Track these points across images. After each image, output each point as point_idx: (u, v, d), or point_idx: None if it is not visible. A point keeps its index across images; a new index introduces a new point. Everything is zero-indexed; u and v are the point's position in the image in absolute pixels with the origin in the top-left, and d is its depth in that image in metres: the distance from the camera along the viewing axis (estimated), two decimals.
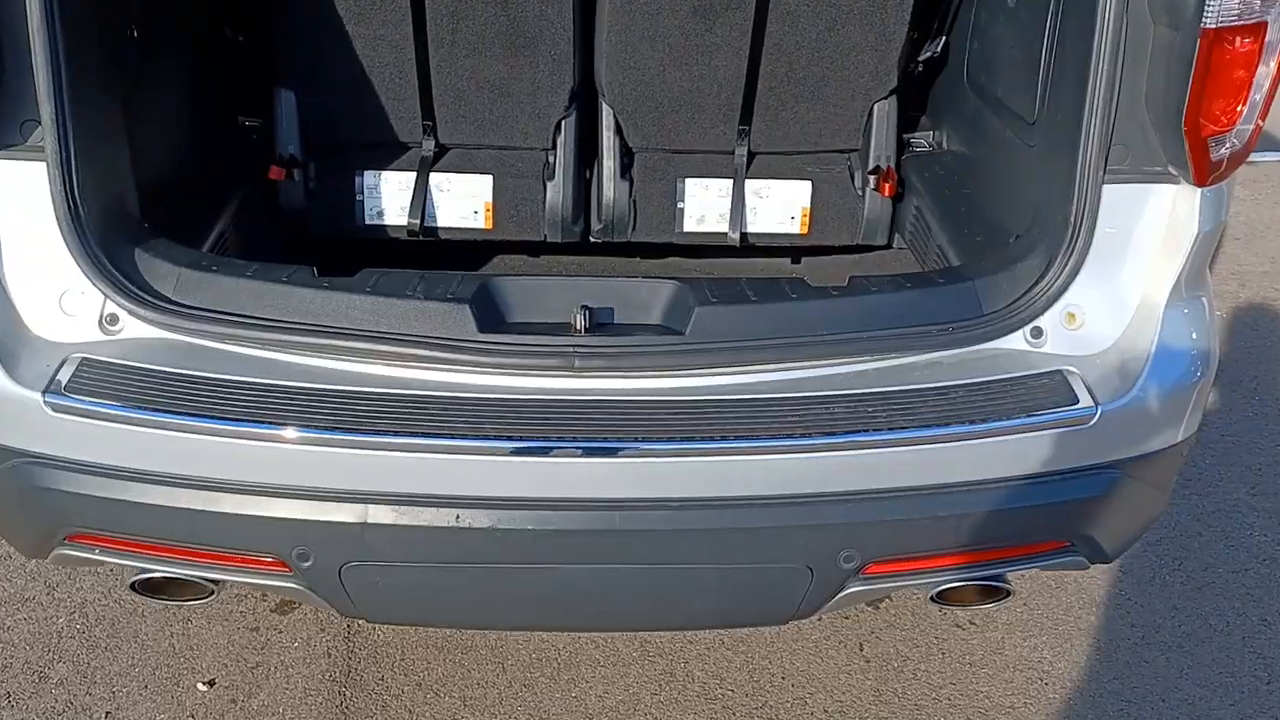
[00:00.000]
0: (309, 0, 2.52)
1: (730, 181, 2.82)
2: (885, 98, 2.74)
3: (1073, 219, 2.02)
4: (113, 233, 2.02)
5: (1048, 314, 2.03)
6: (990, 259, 2.19)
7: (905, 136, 2.89)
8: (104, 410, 1.85)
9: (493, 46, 2.61)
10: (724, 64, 2.65)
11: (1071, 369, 2.01)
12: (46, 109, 1.88)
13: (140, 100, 2.28)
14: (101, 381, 1.89)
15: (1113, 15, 1.93)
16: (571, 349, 1.93)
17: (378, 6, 2.53)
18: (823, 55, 2.64)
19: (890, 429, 1.90)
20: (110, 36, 2.13)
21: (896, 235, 2.88)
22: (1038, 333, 2.04)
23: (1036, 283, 2.05)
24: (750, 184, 2.82)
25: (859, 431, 1.89)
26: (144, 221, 2.17)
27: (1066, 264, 2.03)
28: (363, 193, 2.78)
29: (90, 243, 1.95)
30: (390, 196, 2.78)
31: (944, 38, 2.79)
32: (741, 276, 2.31)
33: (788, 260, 3.09)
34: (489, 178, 2.79)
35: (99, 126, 2.03)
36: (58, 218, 1.93)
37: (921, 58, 2.80)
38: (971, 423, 1.92)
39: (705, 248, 2.94)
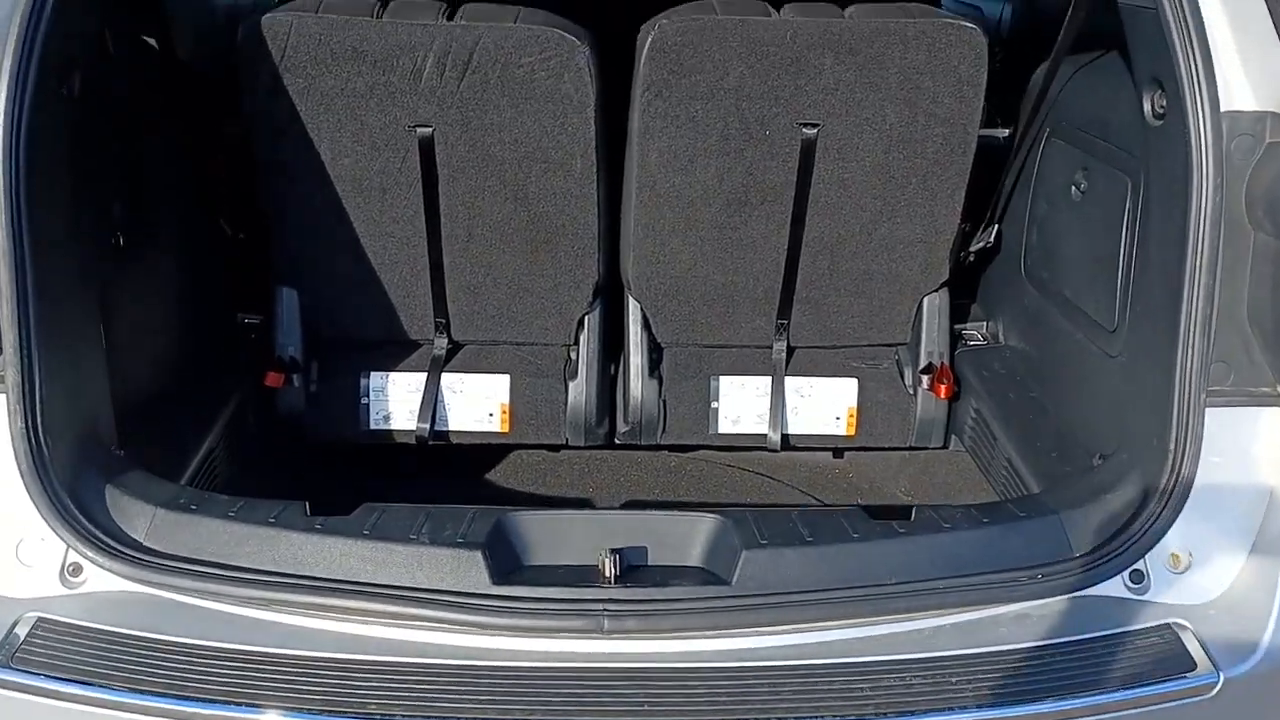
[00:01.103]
0: (313, 196, 2.34)
1: (768, 379, 2.58)
2: (935, 290, 2.53)
3: (1172, 447, 1.78)
4: (81, 469, 1.80)
5: (1149, 555, 1.78)
6: (1074, 485, 1.94)
7: (956, 327, 2.67)
8: (58, 689, 1.60)
9: (511, 242, 2.42)
10: (761, 257, 2.45)
11: (1182, 622, 1.74)
12: (9, 338, 1.68)
13: (123, 312, 2.09)
14: (58, 649, 1.65)
15: (1208, 223, 1.72)
16: (600, 607, 1.69)
17: (388, 203, 2.36)
18: (868, 249, 2.44)
19: (979, 705, 1.61)
20: (90, 250, 1.95)
21: (953, 437, 2.63)
22: (1138, 577, 1.78)
23: (1133, 518, 1.81)
24: (790, 382, 2.59)
25: (943, 711, 1.60)
26: (120, 448, 1.95)
27: (1168, 498, 1.78)
28: (368, 396, 2.55)
29: (53, 484, 1.74)
30: (398, 399, 2.55)
31: (996, 226, 2.60)
32: (792, 509, 2.05)
33: (829, 455, 2.84)
34: (506, 377, 2.57)
35: (71, 350, 1.83)
36: (17, 457, 1.72)
37: (974, 248, 2.61)
38: (1073, 694, 1.63)
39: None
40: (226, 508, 1.84)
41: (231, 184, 2.53)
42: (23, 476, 1.71)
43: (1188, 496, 1.78)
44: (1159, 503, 1.79)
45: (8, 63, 1.67)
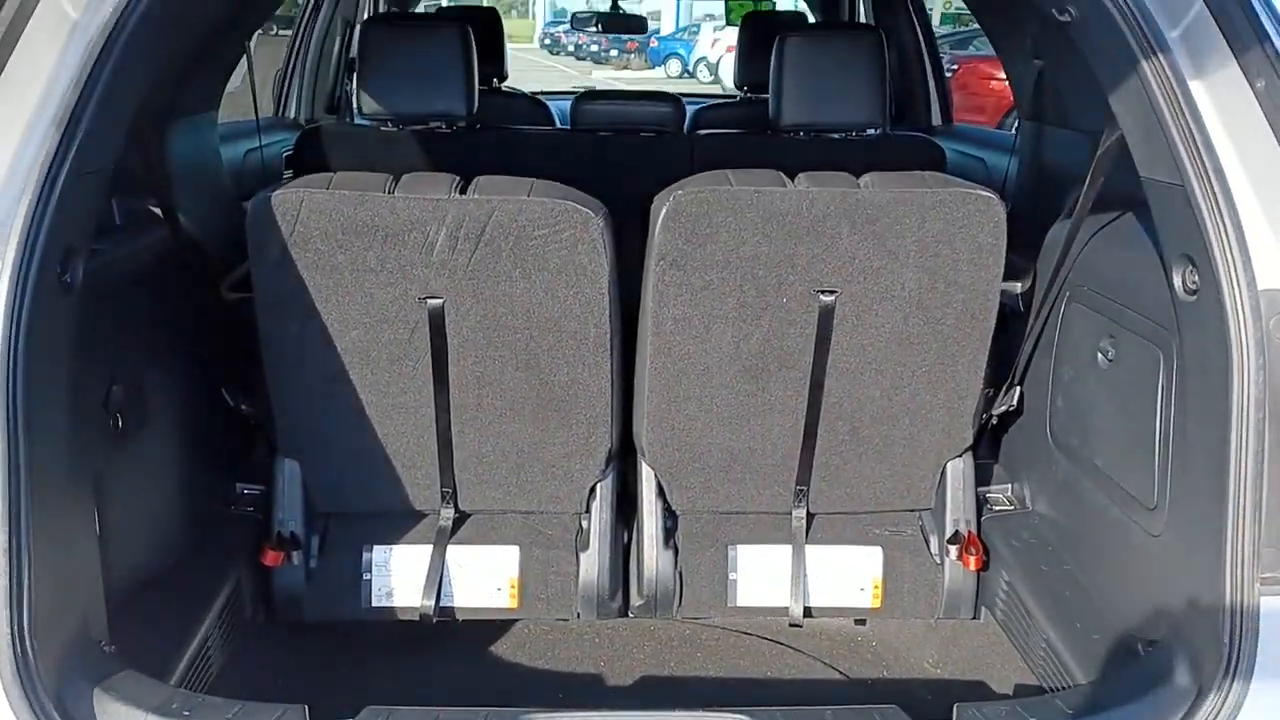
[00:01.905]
0: (319, 368, 2.28)
1: (789, 548, 2.48)
2: (959, 456, 2.46)
3: (1227, 640, 1.67)
4: (69, 673, 1.68)
5: None
6: (1124, 677, 1.83)
7: (980, 490, 2.58)
8: None
9: (522, 410, 2.35)
10: (778, 424, 2.38)
11: None
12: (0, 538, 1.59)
13: (118, 497, 2.00)
14: None
15: (1252, 405, 1.66)
16: None
17: (396, 374, 2.29)
18: (888, 414, 2.37)
19: None
20: (88, 437, 1.87)
21: (984, 609, 2.52)
22: None
23: (1191, 713, 1.68)
24: (811, 550, 2.49)
25: None
26: (110, 643, 1.83)
27: (1226, 694, 1.66)
28: (370, 571, 2.44)
29: (39, 693, 1.62)
30: (401, 575, 2.44)
31: (1019, 388, 2.54)
32: (820, 685, 1.93)
33: (851, 621, 2.71)
34: (515, 549, 2.46)
35: (64, 544, 1.73)
36: (1, 663, 1.59)
37: (996, 410, 2.54)
38: None
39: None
40: (221, 713, 1.72)
41: (235, 355, 2.47)
42: (5, 688, 1.60)
43: (1247, 693, 1.67)
44: (1218, 697, 1.67)
45: (11, 254, 1.62)
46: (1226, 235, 1.72)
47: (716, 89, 24.02)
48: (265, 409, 2.40)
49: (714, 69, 26.02)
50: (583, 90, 7.52)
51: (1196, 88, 1.81)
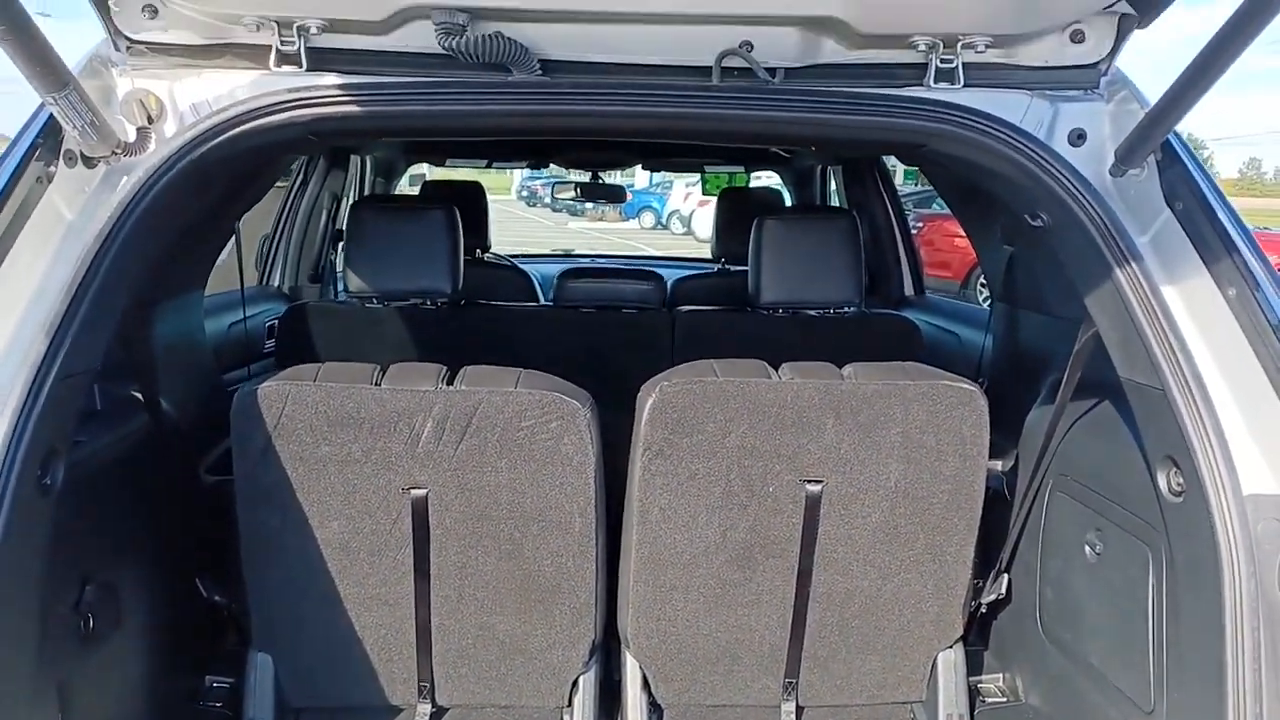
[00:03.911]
0: (298, 560, 2.23)
1: None
2: (950, 646, 2.41)
3: None
4: None
5: None
6: None
7: (973, 681, 2.53)
8: None
9: (504, 602, 2.30)
10: (766, 614, 2.34)
11: None
12: None
13: (84, 700, 1.92)
14: None
15: (1245, 611, 1.65)
16: None
17: (376, 565, 2.25)
18: (878, 605, 2.34)
19: None
20: (57, 642, 1.80)
21: None
22: None
23: None
24: None
25: None
26: None
27: None
28: None
29: None
30: None
31: (1006, 576, 2.52)
32: None
33: None
34: None
35: None
36: None
37: (985, 599, 2.51)
38: None
39: None
40: None
41: (209, 542, 2.42)
42: None
43: None
44: None
45: None
46: (1209, 440, 1.74)
47: (690, 240, 24.65)
48: (239, 600, 2.33)
49: (686, 221, 26.73)
50: (561, 253, 7.71)
51: (1170, 294, 1.87)
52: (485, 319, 3.39)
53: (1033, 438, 2.45)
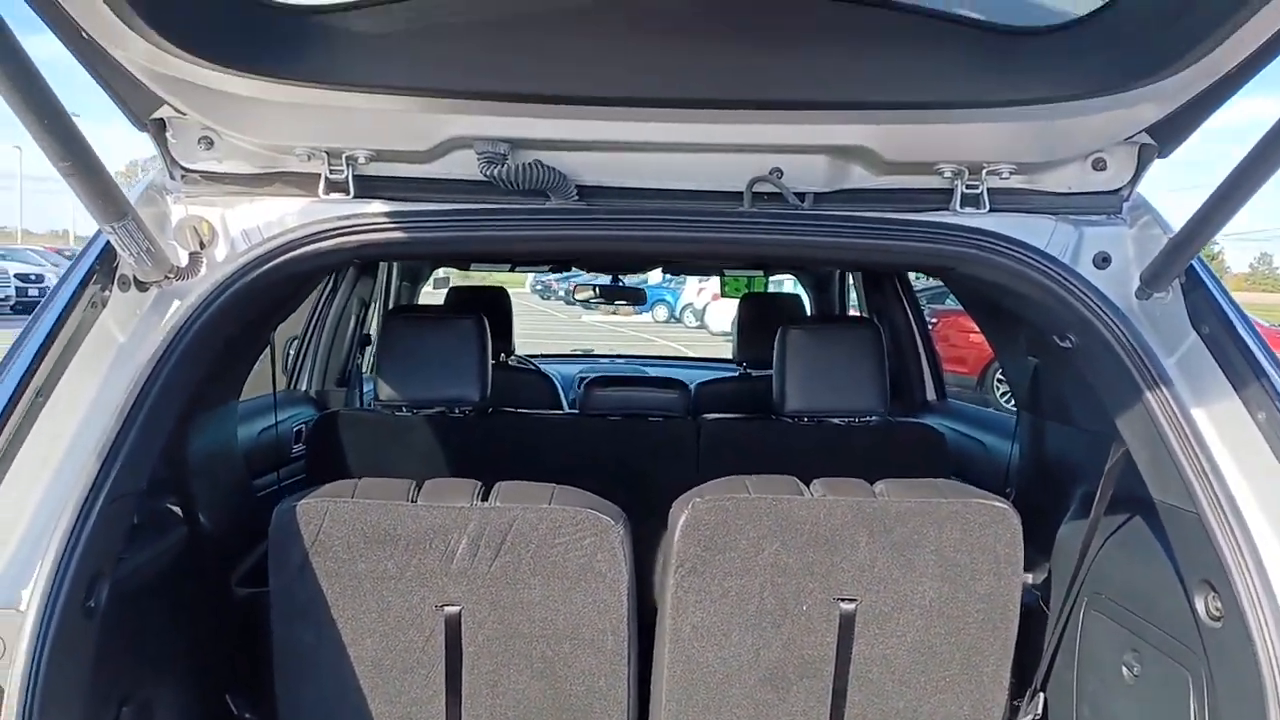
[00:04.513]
0: (330, 677, 2.22)
1: None
2: None
3: None
4: None
5: None
6: None
7: None
8: None
9: (535, 719, 2.28)
10: None
11: None
12: None
13: None
14: None
15: None
16: None
17: (408, 683, 2.24)
18: None
19: None
20: None
21: None
22: None
23: None
24: None
25: None
26: None
27: None
28: None
29: None
30: None
31: (1042, 695, 2.49)
32: None
33: None
34: None
35: None
36: None
37: None
38: None
39: None
40: None
41: (240, 656, 2.42)
42: None
43: None
44: None
45: (40, 587, 1.62)
46: (1246, 565, 1.74)
47: (703, 334, 24.82)
48: (271, 717, 2.32)
49: (700, 315, 26.96)
50: (581, 353, 7.79)
51: (1200, 417, 1.89)
52: (513, 427, 3.42)
53: (1065, 554, 2.44)
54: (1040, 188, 2.09)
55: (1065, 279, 2.02)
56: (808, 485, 2.29)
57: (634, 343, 21.86)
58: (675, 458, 3.36)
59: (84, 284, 1.92)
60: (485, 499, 2.21)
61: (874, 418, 3.25)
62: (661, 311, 30.12)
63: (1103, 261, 2.05)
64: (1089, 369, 2.11)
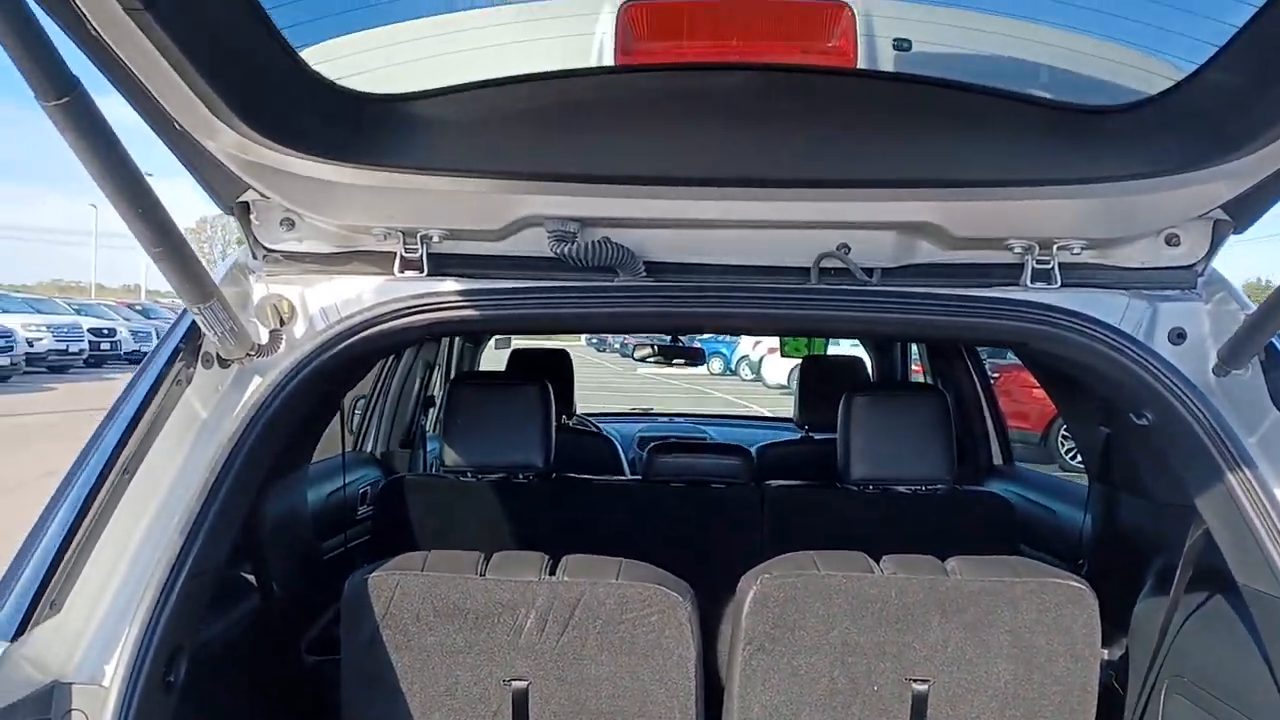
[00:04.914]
0: None
1: None
2: None
3: None
4: None
5: None
6: None
7: None
8: None
9: None
10: None
11: None
12: None
13: None
14: None
15: None
16: None
17: None
18: None
19: None
20: None
21: None
22: None
23: None
24: None
25: None
26: None
27: None
28: None
29: None
30: None
31: None
32: None
33: None
34: None
35: None
36: None
37: None
38: None
39: None
40: None
41: None
42: None
43: None
44: None
45: (124, 660, 1.65)
46: None
47: (759, 387, 24.75)
48: None
49: (755, 367, 26.90)
50: (640, 411, 7.82)
51: None
52: (576, 493, 3.43)
53: (1144, 633, 2.38)
54: (1113, 263, 2.07)
55: (1140, 356, 1.99)
56: (876, 559, 2.26)
57: (690, 394, 21.83)
58: (739, 526, 3.34)
59: (170, 362, 1.98)
60: (553, 573, 2.22)
61: (940, 486, 3.21)
62: (716, 364, 30.10)
63: (1178, 338, 2.01)
64: (1166, 446, 2.07)
